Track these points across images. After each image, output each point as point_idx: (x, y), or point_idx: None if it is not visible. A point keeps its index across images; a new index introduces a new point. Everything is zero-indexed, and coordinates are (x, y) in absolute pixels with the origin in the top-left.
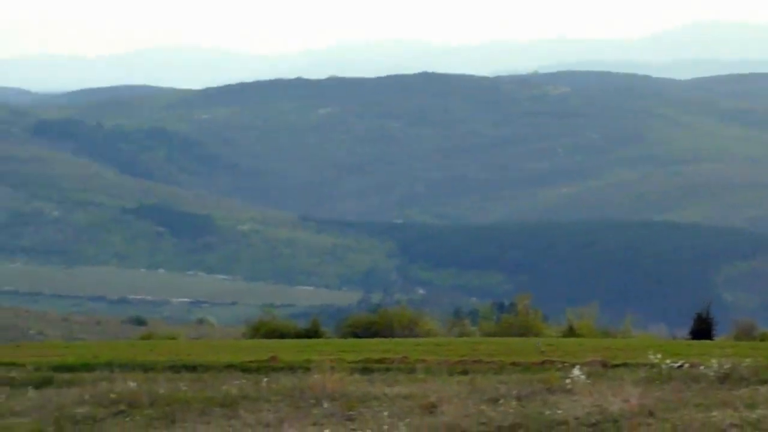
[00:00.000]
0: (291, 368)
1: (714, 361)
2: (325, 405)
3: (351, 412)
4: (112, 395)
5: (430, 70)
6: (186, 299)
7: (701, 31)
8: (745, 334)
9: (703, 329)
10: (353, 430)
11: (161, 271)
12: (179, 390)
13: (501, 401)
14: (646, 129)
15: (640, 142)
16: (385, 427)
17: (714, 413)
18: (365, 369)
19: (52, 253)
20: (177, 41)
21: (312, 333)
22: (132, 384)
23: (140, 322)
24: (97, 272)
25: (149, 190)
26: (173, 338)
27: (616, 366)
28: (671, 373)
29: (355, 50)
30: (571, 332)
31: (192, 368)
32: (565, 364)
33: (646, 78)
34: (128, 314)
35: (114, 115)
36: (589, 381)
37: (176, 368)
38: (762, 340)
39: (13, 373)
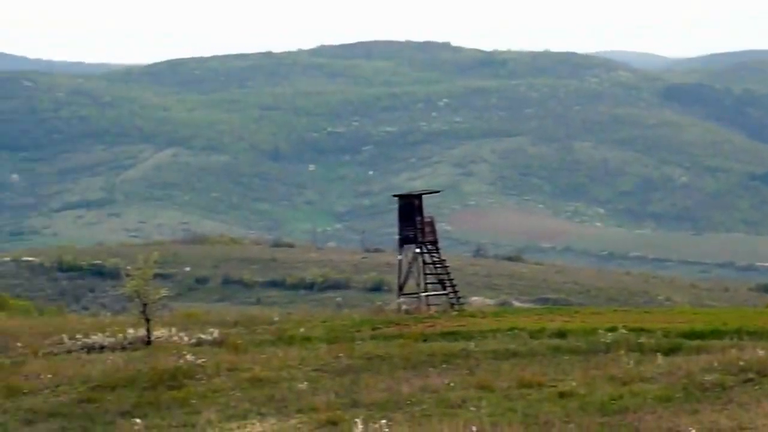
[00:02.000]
0: None
1: None
2: None
3: None
4: (741, 363)
5: None
6: None
7: None
8: None
9: None
10: None
11: None
12: None
13: None
14: None
15: None
16: None
17: None
18: None
19: (681, 219)
20: None
21: None
22: (761, 352)
23: None
24: (724, 238)
25: None
26: None
27: None
28: None
29: None
30: None
31: None
32: None
33: None
34: (756, 281)
35: (743, 80)
36: None
37: None
38: None
39: (642, 339)
